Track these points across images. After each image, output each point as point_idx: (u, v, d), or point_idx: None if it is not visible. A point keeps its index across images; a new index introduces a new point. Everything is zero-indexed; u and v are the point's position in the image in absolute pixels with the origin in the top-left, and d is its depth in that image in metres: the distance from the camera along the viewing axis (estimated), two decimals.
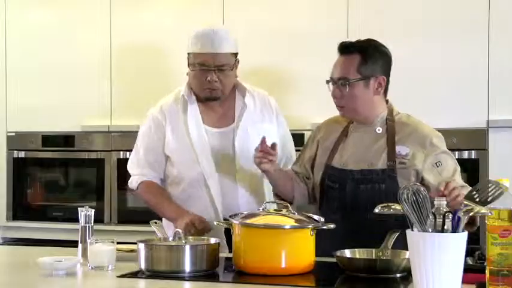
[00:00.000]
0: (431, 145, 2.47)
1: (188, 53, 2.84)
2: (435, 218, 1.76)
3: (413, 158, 2.45)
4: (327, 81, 2.55)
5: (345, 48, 2.49)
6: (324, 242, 2.22)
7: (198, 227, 2.60)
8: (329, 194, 2.52)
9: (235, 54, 2.84)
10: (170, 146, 2.85)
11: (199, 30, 2.81)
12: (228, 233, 2.51)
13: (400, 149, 2.46)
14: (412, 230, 1.78)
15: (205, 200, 2.78)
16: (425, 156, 2.46)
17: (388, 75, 2.55)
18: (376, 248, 2.24)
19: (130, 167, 2.94)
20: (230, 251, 2.28)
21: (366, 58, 2.47)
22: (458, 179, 2.45)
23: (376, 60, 2.49)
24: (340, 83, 2.48)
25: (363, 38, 3.64)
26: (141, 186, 2.88)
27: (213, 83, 2.76)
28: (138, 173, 2.90)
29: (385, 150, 2.48)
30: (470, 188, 2.37)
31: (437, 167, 2.44)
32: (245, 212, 2.35)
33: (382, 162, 2.46)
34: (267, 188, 2.83)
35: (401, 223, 2.18)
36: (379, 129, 2.52)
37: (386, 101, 2.59)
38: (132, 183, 2.91)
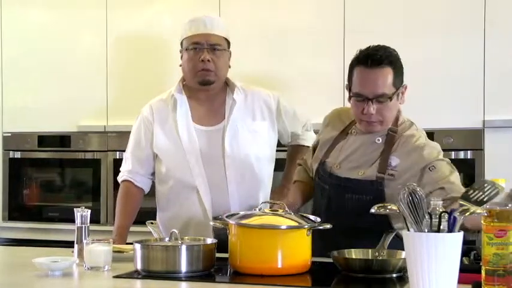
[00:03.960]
0: (421, 155, 2.35)
1: (181, 41, 2.86)
2: (431, 218, 1.77)
3: (402, 171, 2.36)
4: (357, 99, 2.36)
5: (377, 62, 2.31)
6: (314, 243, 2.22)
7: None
8: (320, 192, 2.50)
9: (228, 42, 2.85)
10: (158, 143, 2.85)
11: (191, 17, 2.87)
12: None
13: (391, 160, 2.39)
14: (408, 230, 1.78)
15: (193, 199, 2.78)
16: (415, 166, 2.35)
17: None
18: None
19: (122, 163, 2.96)
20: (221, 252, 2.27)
21: (396, 70, 2.36)
22: (455, 180, 2.32)
23: (401, 69, 2.39)
24: (378, 100, 2.35)
25: (359, 37, 3.66)
26: (120, 186, 2.93)
27: (206, 62, 2.76)
28: (125, 169, 2.92)
29: (377, 161, 2.41)
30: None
31: (431, 171, 2.32)
32: (241, 212, 2.35)
33: (372, 173, 2.39)
34: (261, 187, 2.83)
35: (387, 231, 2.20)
36: (379, 140, 2.44)
37: None
38: (119, 179, 2.95)
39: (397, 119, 2.46)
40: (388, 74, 2.33)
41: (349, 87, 2.41)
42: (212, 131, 2.83)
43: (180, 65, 2.88)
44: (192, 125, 2.83)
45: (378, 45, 2.38)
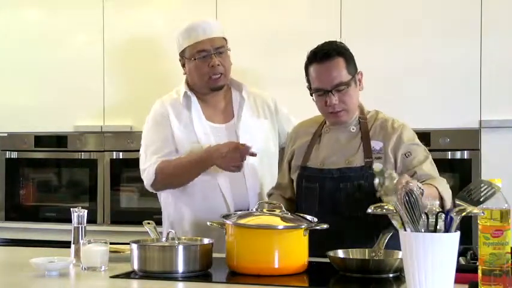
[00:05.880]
0: (401, 138, 2.48)
1: (182, 50, 2.86)
2: (428, 218, 1.77)
3: (386, 152, 2.47)
4: (319, 93, 2.49)
5: (326, 56, 2.46)
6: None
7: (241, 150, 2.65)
8: (307, 194, 2.52)
9: (227, 41, 2.89)
10: (177, 138, 2.83)
11: (188, 24, 2.86)
12: None
13: (374, 145, 2.49)
14: (405, 230, 1.78)
15: (216, 193, 2.79)
16: (396, 149, 2.47)
17: None
18: (364, 247, 2.25)
19: (143, 163, 2.83)
20: None
21: (346, 58, 2.49)
22: (427, 167, 2.44)
23: (351, 57, 2.52)
24: (337, 89, 2.45)
25: (356, 37, 3.68)
26: (160, 167, 2.76)
27: (216, 67, 2.80)
28: (153, 161, 2.79)
29: (361, 148, 2.50)
30: (439, 178, 2.44)
31: (407, 157, 2.45)
32: (238, 212, 2.35)
33: (359, 160, 2.48)
34: (272, 181, 2.83)
35: (387, 221, 2.20)
36: (353, 128, 2.55)
37: None
38: (149, 174, 2.78)
39: (362, 109, 2.58)
40: (339, 64, 2.47)
41: (310, 87, 2.53)
42: (224, 128, 2.86)
43: (184, 73, 2.89)
44: (206, 123, 2.86)
45: (324, 42, 2.53)
